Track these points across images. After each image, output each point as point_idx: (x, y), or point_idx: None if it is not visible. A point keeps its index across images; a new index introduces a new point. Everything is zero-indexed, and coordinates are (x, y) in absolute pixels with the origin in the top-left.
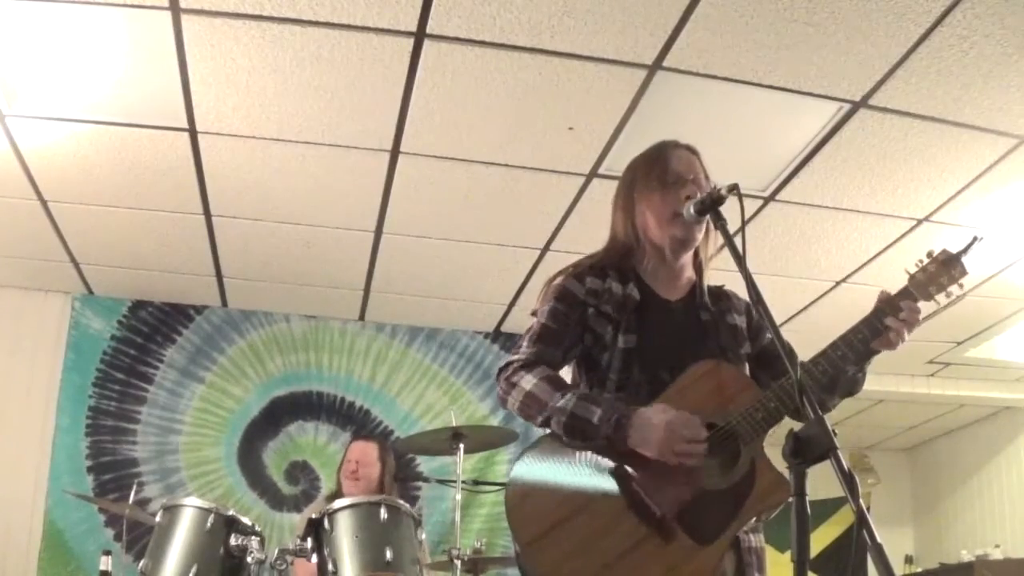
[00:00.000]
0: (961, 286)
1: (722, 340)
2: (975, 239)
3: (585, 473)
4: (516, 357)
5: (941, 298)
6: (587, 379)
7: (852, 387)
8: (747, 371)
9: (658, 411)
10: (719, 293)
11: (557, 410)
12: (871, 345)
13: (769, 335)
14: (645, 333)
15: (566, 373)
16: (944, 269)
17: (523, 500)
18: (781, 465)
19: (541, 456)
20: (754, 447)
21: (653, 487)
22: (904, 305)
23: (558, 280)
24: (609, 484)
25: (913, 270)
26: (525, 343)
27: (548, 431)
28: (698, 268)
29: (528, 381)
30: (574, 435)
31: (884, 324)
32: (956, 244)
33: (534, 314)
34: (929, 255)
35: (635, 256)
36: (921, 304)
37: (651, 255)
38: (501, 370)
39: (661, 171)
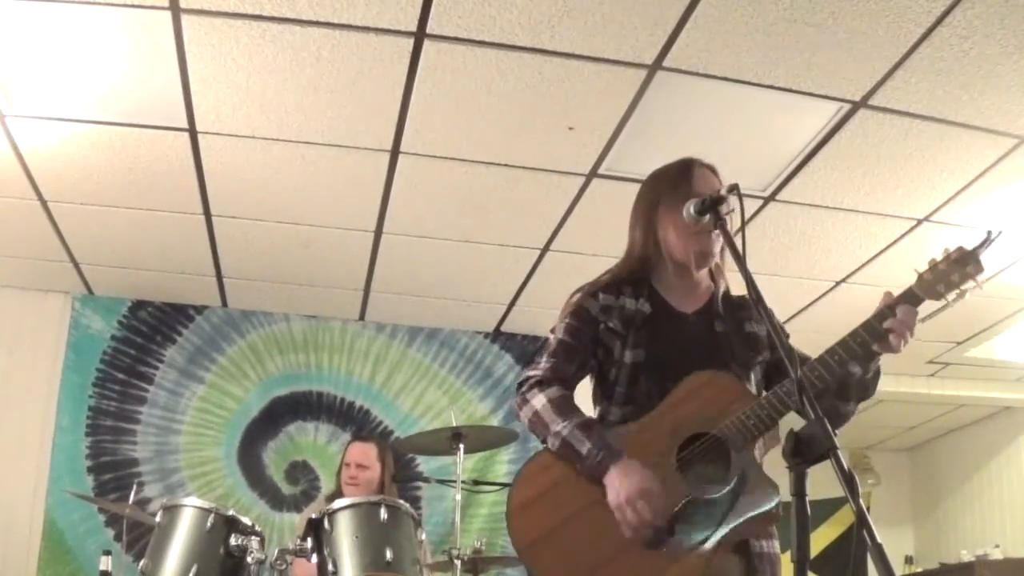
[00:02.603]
0: (978, 283)
1: (735, 350)
2: (990, 234)
3: (580, 482)
4: (533, 372)
5: (952, 296)
6: (600, 392)
7: (864, 390)
8: (761, 377)
9: (644, 475)
10: (739, 302)
11: (554, 434)
12: (873, 348)
13: None
14: (655, 346)
15: (585, 384)
16: (956, 266)
17: (521, 506)
18: (780, 466)
19: (541, 465)
20: (745, 455)
21: None
22: (901, 309)
23: (575, 298)
24: (601, 493)
25: (923, 269)
26: (544, 357)
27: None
28: (715, 277)
29: (539, 401)
30: (565, 459)
31: (884, 327)
32: (971, 241)
33: (553, 331)
34: (944, 252)
35: (654, 269)
36: (929, 303)
37: (672, 269)
38: (520, 384)
39: (687, 190)
